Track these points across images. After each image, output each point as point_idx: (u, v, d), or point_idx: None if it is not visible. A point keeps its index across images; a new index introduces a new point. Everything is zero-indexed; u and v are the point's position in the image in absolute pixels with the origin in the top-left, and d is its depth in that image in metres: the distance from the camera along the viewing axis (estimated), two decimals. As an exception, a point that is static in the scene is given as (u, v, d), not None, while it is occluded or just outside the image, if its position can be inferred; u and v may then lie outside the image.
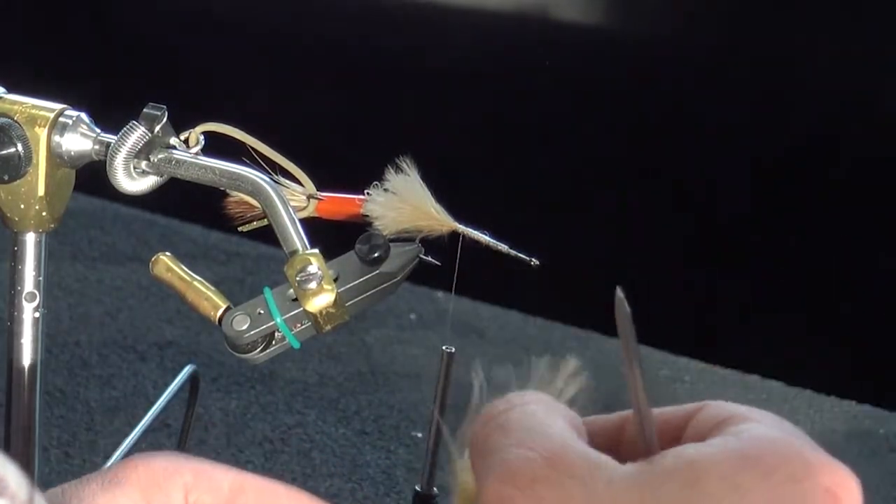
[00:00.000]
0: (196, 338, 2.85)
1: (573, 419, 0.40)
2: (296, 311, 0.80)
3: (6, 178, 0.87)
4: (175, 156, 0.85)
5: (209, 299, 0.83)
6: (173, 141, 0.86)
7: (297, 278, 0.79)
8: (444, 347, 0.79)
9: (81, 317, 2.91)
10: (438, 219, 0.80)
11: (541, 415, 0.39)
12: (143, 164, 0.85)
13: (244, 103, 2.88)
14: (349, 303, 0.81)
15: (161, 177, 0.86)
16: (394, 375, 2.81)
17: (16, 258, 0.90)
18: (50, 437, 2.39)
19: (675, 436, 0.41)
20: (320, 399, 2.68)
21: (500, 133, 3.28)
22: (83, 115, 0.88)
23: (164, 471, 0.44)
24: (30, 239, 0.90)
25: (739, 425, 0.38)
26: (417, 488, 0.83)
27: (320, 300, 0.79)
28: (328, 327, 0.81)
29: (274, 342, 0.82)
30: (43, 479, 1.96)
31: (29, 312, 0.91)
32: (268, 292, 0.81)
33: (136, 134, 0.84)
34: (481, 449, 0.39)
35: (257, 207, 0.83)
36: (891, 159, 2.95)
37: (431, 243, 0.82)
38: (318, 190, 0.85)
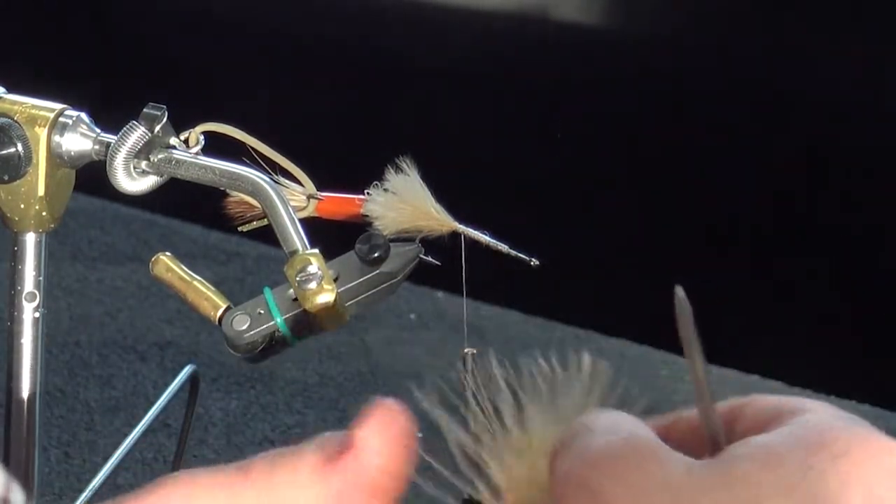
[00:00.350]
0: (196, 338, 2.85)
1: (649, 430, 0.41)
2: (296, 311, 0.80)
3: (6, 178, 0.87)
4: (175, 156, 0.85)
5: (209, 299, 0.83)
6: (173, 141, 0.86)
7: (297, 278, 0.79)
8: (465, 350, 0.79)
9: (81, 317, 2.91)
10: (438, 219, 0.80)
11: (623, 416, 0.41)
12: (143, 164, 0.85)
13: (244, 103, 2.87)
14: (349, 303, 0.81)
15: (161, 177, 0.86)
16: (394, 375, 2.81)
17: (16, 258, 0.90)
18: (50, 437, 2.39)
19: (725, 430, 0.42)
20: (320, 399, 2.68)
21: (500, 133, 3.28)
22: (83, 115, 0.88)
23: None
24: (30, 239, 0.90)
25: (799, 417, 0.39)
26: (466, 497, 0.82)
27: (320, 300, 0.79)
28: (328, 327, 0.81)
29: (274, 342, 0.82)
30: (43, 479, 1.96)
31: (29, 312, 0.91)
32: (268, 292, 0.81)
33: (136, 134, 0.84)
34: (564, 442, 0.40)
35: (257, 207, 0.83)
36: (891, 159, 2.95)
37: (431, 243, 0.82)
38: (318, 190, 0.85)
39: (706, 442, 0.40)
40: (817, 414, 0.39)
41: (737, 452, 0.37)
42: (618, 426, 0.39)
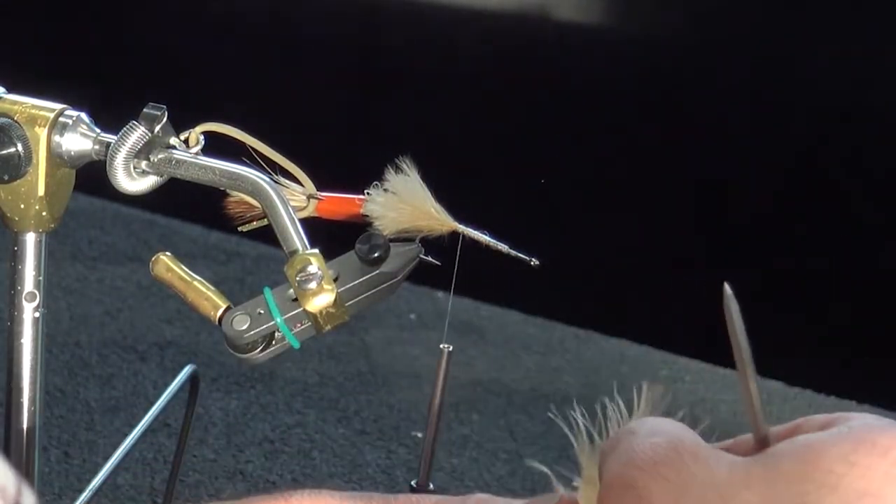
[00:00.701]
0: (196, 338, 2.85)
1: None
2: (296, 311, 0.80)
3: (6, 178, 0.87)
4: (175, 156, 0.85)
5: (209, 299, 0.83)
6: (173, 141, 0.86)
7: (297, 278, 0.79)
8: (442, 346, 0.79)
9: (81, 317, 2.91)
10: (438, 219, 0.80)
11: (667, 421, 0.41)
12: (143, 164, 0.85)
13: (244, 103, 2.88)
14: (349, 303, 0.81)
15: (161, 177, 0.86)
16: (394, 375, 2.81)
17: (16, 258, 0.90)
18: (50, 437, 2.39)
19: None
20: (320, 399, 2.68)
21: (501, 133, 3.28)
22: (83, 115, 0.88)
23: None
24: (30, 239, 0.90)
25: (845, 422, 0.40)
26: (413, 484, 0.83)
27: (320, 300, 0.79)
28: (328, 327, 0.81)
29: (274, 342, 0.82)
30: (43, 478, 1.96)
31: (29, 312, 0.91)
32: (268, 292, 0.81)
33: (136, 134, 0.84)
34: (610, 446, 0.41)
35: (257, 207, 0.83)
36: (891, 159, 2.95)
37: (431, 243, 0.82)
38: (318, 190, 0.85)
39: (753, 442, 0.41)
40: (863, 419, 0.39)
41: (780, 449, 0.37)
42: (661, 429, 0.40)
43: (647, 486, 0.38)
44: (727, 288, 0.41)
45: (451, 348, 0.79)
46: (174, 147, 0.86)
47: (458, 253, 0.79)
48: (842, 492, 0.36)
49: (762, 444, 0.40)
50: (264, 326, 0.80)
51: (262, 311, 0.81)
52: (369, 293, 0.82)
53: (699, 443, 0.39)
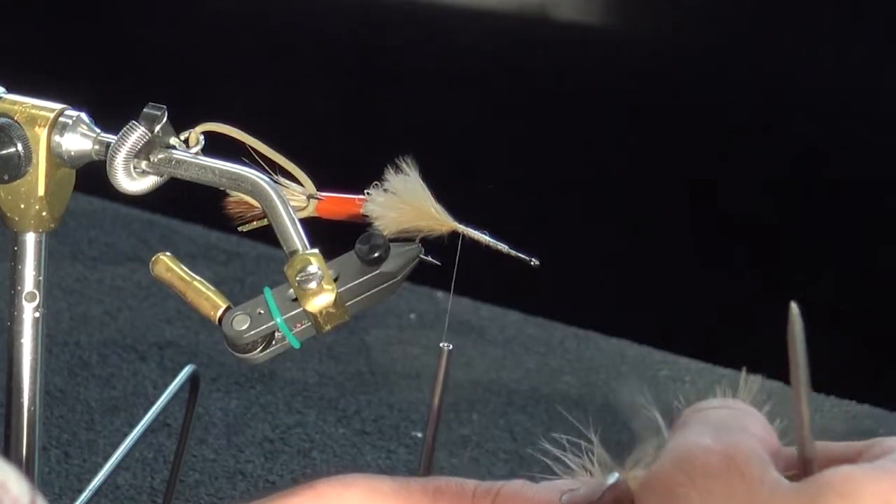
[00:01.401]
0: (196, 338, 2.85)
1: (769, 432, 0.42)
2: (296, 311, 0.80)
3: (6, 178, 0.87)
4: (175, 156, 0.85)
5: (209, 299, 0.83)
6: (173, 141, 0.86)
7: (297, 278, 0.79)
8: (442, 344, 0.79)
9: (81, 317, 2.91)
10: (438, 219, 0.80)
11: (741, 416, 0.41)
12: (143, 164, 0.85)
13: (244, 103, 2.87)
14: (349, 303, 0.81)
15: (161, 177, 0.86)
16: (394, 375, 2.80)
17: (16, 258, 0.90)
18: (50, 437, 2.39)
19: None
20: (320, 399, 2.68)
21: (501, 133, 3.28)
22: (83, 115, 0.89)
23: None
24: (30, 239, 0.90)
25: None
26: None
27: (320, 300, 0.79)
28: (328, 327, 0.81)
29: (274, 342, 0.82)
30: (43, 478, 1.96)
31: (29, 312, 0.91)
32: (268, 292, 0.81)
33: (136, 134, 0.84)
34: (676, 426, 0.41)
35: (257, 207, 0.83)
36: (890, 158, 2.95)
37: (431, 243, 0.82)
38: (318, 190, 0.85)
39: (798, 464, 0.41)
40: None
41: (823, 480, 0.38)
42: (727, 427, 0.40)
43: (687, 495, 0.38)
44: (794, 308, 0.41)
45: (451, 347, 0.79)
46: (174, 147, 0.86)
47: (459, 253, 0.79)
48: None
49: (807, 467, 0.40)
50: (264, 326, 0.80)
51: (262, 311, 0.81)
52: (369, 293, 0.82)
53: (752, 457, 0.39)
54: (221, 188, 0.84)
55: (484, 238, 0.80)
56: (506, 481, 0.43)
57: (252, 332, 0.80)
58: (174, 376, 1.03)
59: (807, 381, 0.41)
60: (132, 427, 1.08)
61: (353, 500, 0.41)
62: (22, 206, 0.88)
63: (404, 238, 0.82)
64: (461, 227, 0.80)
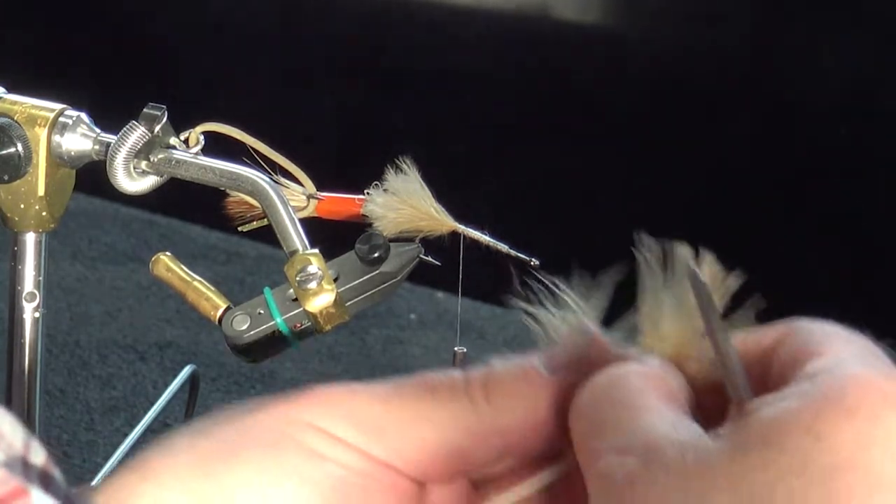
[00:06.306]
0: (196, 338, 2.85)
1: (673, 391, 0.39)
2: (296, 311, 0.80)
3: (6, 178, 0.87)
4: (175, 156, 0.85)
5: (209, 299, 0.83)
6: (173, 141, 0.86)
7: (297, 278, 0.79)
8: (456, 348, 0.79)
9: (81, 317, 2.91)
10: (438, 219, 0.80)
11: (636, 396, 0.38)
12: (143, 164, 0.85)
13: (244, 103, 2.88)
14: (349, 303, 0.81)
15: (161, 177, 0.86)
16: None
17: (16, 258, 0.90)
18: (50, 437, 2.39)
19: (763, 366, 0.39)
20: (320, 399, 2.68)
21: (501, 133, 3.28)
22: (83, 115, 0.89)
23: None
24: (30, 239, 0.90)
25: (813, 363, 0.36)
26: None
27: (320, 300, 0.79)
28: (328, 327, 0.81)
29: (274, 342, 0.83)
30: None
31: (29, 312, 0.91)
32: (268, 292, 0.81)
33: (136, 134, 0.84)
34: (590, 420, 0.38)
35: (257, 207, 0.83)
36: (891, 159, 2.95)
37: (431, 243, 0.82)
38: (318, 190, 0.85)
39: (731, 399, 0.37)
40: (833, 361, 0.36)
41: (745, 430, 0.34)
42: (627, 426, 0.37)
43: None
44: (682, 250, 0.41)
45: (465, 350, 0.79)
46: (174, 147, 0.86)
47: (462, 253, 0.79)
48: (809, 475, 0.32)
49: (739, 401, 0.36)
50: (264, 326, 0.80)
51: (262, 311, 0.81)
52: (369, 293, 0.82)
53: (668, 442, 0.35)
54: (221, 188, 0.84)
55: (484, 238, 0.81)
56: (488, 366, 0.42)
57: (252, 332, 0.80)
58: (174, 376, 1.03)
59: (723, 326, 0.39)
60: (132, 427, 1.08)
61: (359, 408, 0.41)
62: (22, 206, 0.88)
63: (404, 238, 0.82)
64: (461, 227, 0.80)
